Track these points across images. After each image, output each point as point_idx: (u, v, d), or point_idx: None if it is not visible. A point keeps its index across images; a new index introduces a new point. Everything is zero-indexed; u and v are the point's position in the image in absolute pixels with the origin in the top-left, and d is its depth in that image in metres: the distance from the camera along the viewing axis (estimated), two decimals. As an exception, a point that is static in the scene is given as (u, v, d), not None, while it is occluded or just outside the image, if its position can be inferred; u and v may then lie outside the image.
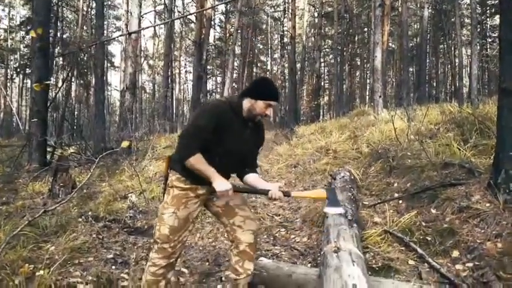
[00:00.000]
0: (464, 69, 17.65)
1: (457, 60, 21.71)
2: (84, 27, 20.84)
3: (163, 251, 2.43)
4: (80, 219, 4.66)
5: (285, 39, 30.06)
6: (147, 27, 17.80)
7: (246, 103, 2.41)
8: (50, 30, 10.79)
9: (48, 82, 7.98)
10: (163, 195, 2.56)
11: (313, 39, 29.99)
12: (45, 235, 4.10)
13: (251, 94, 2.40)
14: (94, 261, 3.59)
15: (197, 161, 2.32)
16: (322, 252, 2.65)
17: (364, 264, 2.42)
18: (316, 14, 27.37)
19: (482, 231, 3.41)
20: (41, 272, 3.13)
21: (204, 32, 17.35)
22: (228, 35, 29.17)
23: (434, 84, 32.30)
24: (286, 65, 28.21)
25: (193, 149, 2.31)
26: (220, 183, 2.32)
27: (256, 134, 2.57)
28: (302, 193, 3.16)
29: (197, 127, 2.34)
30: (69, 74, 11.64)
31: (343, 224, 3.09)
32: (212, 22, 25.23)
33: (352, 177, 5.26)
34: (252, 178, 2.56)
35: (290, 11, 22.85)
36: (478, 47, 10.86)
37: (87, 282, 3.17)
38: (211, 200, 2.57)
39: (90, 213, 4.85)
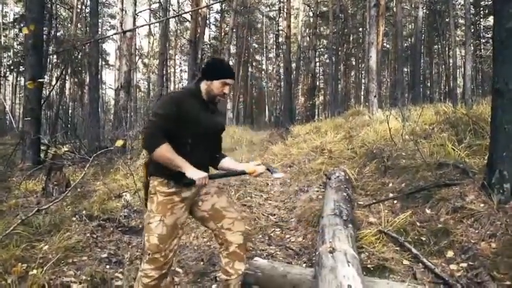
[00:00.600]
0: (458, 70, 17.72)
1: (451, 61, 21.84)
2: (78, 25, 20.70)
3: (155, 262, 2.33)
4: (74, 218, 4.62)
5: (280, 39, 30.06)
6: (142, 26, 17.75)
7: (203, 86, 2.41)
8: (44, 28, 10.69)
9: (41, 80, 7.91)
10: (146, 205, 2.46)
11: (308, 38, 30.04)
12: (38, 234, 4.07)
13: (206, 76, 2.40)
14: (88, 260, 3.57)
15: (165, 150, 2.24)
16: (317, 253, 2.65)
17: (359, 265, 2.43)
18: (311, 14, 27.42)
19: (477, 231, 3.42)
20: (34, 271, 3.09)
21: (199, 30, 17.31)
22: (223, 34, 29.16)
23: (428, 84, 32.45)
24: (281, 65, 28.22)
25: (158, 138, 2.24)
26: (194, 172, 2.26)
27: (220, 117, 2.61)
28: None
29: (158, 116, 2.28)
30: (63, 72, 11.55)
31: (338, 224, 3.09)
32: (207, 21, 25.17)
33: (347, 177, 5.27)
34: (227, 162, 2.58)
35: (285, 10, 22.89)
36: (472, 48, 10.90)
37: (81, 282, 3.14)
38: (196, 204, 2.51)
39: (84, 212, 4.81)
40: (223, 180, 5.88)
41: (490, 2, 25.27)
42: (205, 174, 2.28)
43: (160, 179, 2.37)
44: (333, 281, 2.00)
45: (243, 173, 2.44)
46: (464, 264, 3.08)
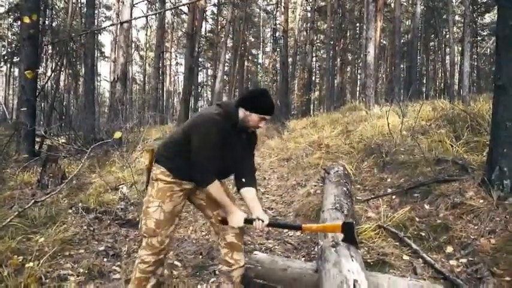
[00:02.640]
0: (455, 67, 17.78)
1: (447, 58, 21.87)
2: (73, 16, 20.46)
3: (151, 247, 2.42)
4: (70, 211, 4.59)
5: (277, 33, 29.97)
6: (139, 17, 17.59)
7: (241, 113, 2.37)
8: (39, 18, 10.54)
9: (37, 70, 7.81)
10: (146, 188, 2.54)
11: (305, 33, 29.92)
12: (34, 226, 4.03)
13: (247, 106, 2.35)
14: (85, 253, 3.54)
15: (216, 190, 2.33)
16: (319, 247, 2.63)
17: (362, 260, 2.41)
18: (309, 8, 27.30)
19: (476, 227, 3.43)
20: (31, 263, 3.07)
21: (196, 23, 17.17)
22: (220, 27, 28.96)
23: (424, 81, 32.53)
24: (278, 59, 28.13)
25: (211, 176, 2.31)
26: (237, 218, 2.36)
27: (250, 140, 2.56)
28: (314, 226, 2.72)
29: (208, 149, 2.28)
30: (59, 63, 11.43)
31: (339, 218, 3.07)
32: (204, 14, 24.98)
33: (346, 172, 5.25)
34: (246, 194, 2.50)
35: (283, 4, 22.76)
36: (469, 45, 10.90)
37: (78, 275, 3.12)
38: (194, 193, 2.56)
39: (80, 204, 4.78)
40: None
41: (487, 0, 25.34)
42: (242, 222, 2.37)
43: (163, 168, 2.44)
44: (338, 275, 1.99)
45: (297, 228, 2.47)
46: (464, 260, 3.08)
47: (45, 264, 3.12)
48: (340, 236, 2.39)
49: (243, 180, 2.52)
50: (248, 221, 2.39)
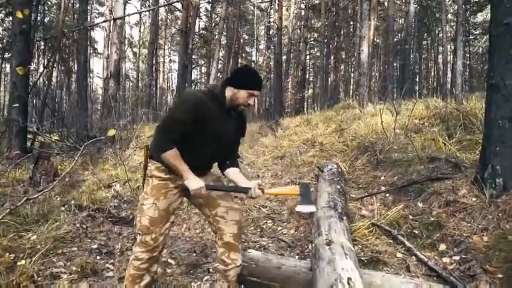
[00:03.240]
0: (448, 65, 17.89)
1: (440, 56, 21.99)
2: (65, 12, 20.28)
3: (145, 244, 2.39)
4: (63, 208, 4.55)
5: (271, 31, 29.92)
6: (133, 13, 17.48)
7: (228, 92, 2.33)
8: (31, 13, 10.42)
9: (29, 67, 7.73)
10: (143, 185, 2.51)
11: (299, 31, 29.93)
12: (26, 224, 3.99)
13: (233, 83, 2.32)
14: (78, 251, 3.52)
15: (172, 156, 2.26)
16: (313, 245, 2.64)
17: (356, 257, 2.42)
18: (303, 6, 27.30)
19: (469, 225, 3.45)
20: (23, 261, 3.04)
21: (190, 20, 17.10)
22: (213, 24, 28.86)
23: (417, 79, 32.70)
24: (272, 57, 28.11)
25: (169, 143, 2.26)
26: (193, 182, 2.28)
27: (239, 124, 2.51)
28: (274, 190, 2.94)
29: (174, 120, 2.27)
30: (51, 59, 11.31)
31: (333, 216, 3.08)
32: (198, 11, 24.86)
33: (340, 170, 5.27)
34: (232, 173, 2.50)
35: (277, 2, 22.71)
36: (462, 44, 10.97)
37: (71, 273, 3.09)
38: None
39: (73, 202, 4.73)
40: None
41: (479, -1, 25.54)
42: (202, 184, 2.28)
43: (157, 164, 2.40)
44: (332, 273, 1.99)
45: (245, 191, 2.35)
46: (457, 258, 3.10)
47: (38, 262, 3.09)
48: (298, 198, 2.35)
49: (227, 162, 2.53)
50: (211, 187, 2.35)
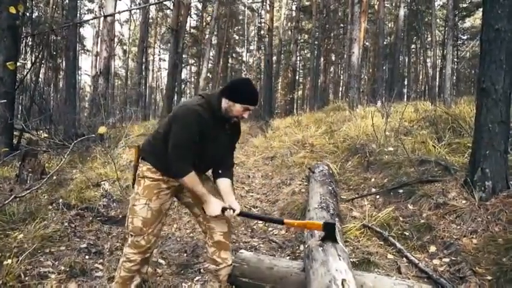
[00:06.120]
0: (437, 69, 18.08)
1: (428, 60, 22.24)
2: (54, 7, 20.00)
3: (137, 246, 2.37)
4: (51, 207, 4.47)
5: (262, 31, 29.93)
6: (124, 11, 17.29)
7: (224, 104, 2.32)
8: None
9: (19, 63, 7.59)
10: (133, 186, 2.48)
11: (289, 32, 30.00)
12: (12, 222, 3.90)
13: (230, 96, 2.30)
14: (66, 250, 3.46)
15: (192, 181, 2.27)
16: (306, 246, 2.63)
17: (348, 259, 2.42)
18: (294, 7, 27.37)
19: (458, 227, 3.48)
20: (9, 260, 2.96)
21: (181, 19, 17.00)
22: (204, 23, 28.75)
23: (406, 82, 33.02)
24: (262, 58, 28.12)
25: (187, 167, 2.25)
26: (213, 207, 2.31)
27: (233, 132, 2.51)
28: (295, 222, 2.71)
29: (185, 145, 2.25)
30: (39, 55, 11.13)
31: (325, 217, 3.07)
32: (189, 10, 24.72)
33: (331, 172, 5.28)
34: (222, 185, 2.48)
35: (268, 2, 22.74)
36: (451, 48, 11.11)
37: (60, 272, 3.04)
38: (182, 190, 2.51)
39: (61, 200, 4.65)
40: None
41: (467, 4, 25.89)
42: (220, 211, 2.32)
43: (149, 165, 2.39)
44: (326, 274, 1.98)
45: (278, 223, 2.47)
46: (447, 259, 3.13)
47: (25, 262, 3.02)
48: (321, 234, 2.40)
49: (220, 171, 2.51)
50: (243, 215, 2.41)
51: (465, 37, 30.03)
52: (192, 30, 32.03)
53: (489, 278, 2.78)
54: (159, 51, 38.64)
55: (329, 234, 2.38)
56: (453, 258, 3.12)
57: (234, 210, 2.37)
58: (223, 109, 2.32)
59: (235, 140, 2.60)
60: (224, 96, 2.32)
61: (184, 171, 2.24)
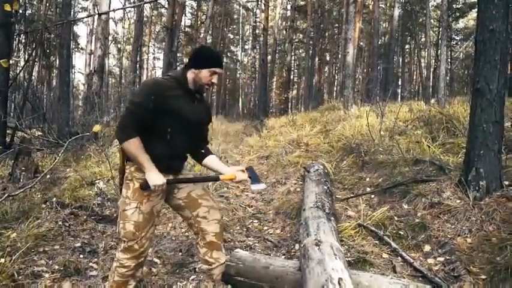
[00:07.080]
0: (431, 69, 18.18)
1: (422, 60, 22.34)
2: (47, 5, 19.86)
3: (131, 251, 2.29)
4: (44, 206, 4.43)
5: (257, 31, 29.94)
6: (118, 9, 17.18)
7: (190, 75, 2.30)
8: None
9: (12, 60, 7.52)
10: (121, 191, 2.40)
11: (284, 32, 30.02)
12: (5, 221, 3.86)
13: (194, 64, 2.29)
14: (60, 249, 3.43)
15: (133, 145, 2.19)
16: (302, 245, 2.63)
17: (344, 258, 2.42)
18: (289, 7, 27.39)
19: (453, 226, 3.50)
20: (2, 259, 2.94)
21: (176, 17, 16.92)
22: (199, 22, 28.68)
23: (400, 82, 33.17)
24: (257, 57, 28.12)
25: (130, 130, 2.19)
26: (155, 176, 2.21)
27: (204, 107, 2.49)
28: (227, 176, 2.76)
29: (134, 105, 2.20)
30: (33, 53, 11.04)
31: (321, 217, 3.08)
32: (184, 8, 24.64)
33: (326, 171, 5.29)
34: (211, 161, 2.50)
35: (263, 1, 22.74)
36: (446, 49, 11.19)
37: (53, 272, 3.02)
38: (172, 192, 2.43)
39: (55, 199, 4.61)
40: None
41: (461, 5, 26.06)
42: (163, 181, 2.23)
43: (137, 165, 2.29)
44: (322, 273, 1.98)
45: (215, 179, 2.37)
46: (442, 259, 3.15)
47: (18, 261, 3.00)
48: (249, 180, 2.41)
49: (203, 151, 2.51)
50: (174, 181, 2.33)
51: (459, 38, 30.21)
52: (186, 29, 31.93)
53: (483, 277, 2.80)
54: (154, 50, 38.50)
55: (253, 177, 2.40)
56: (448, 257, 3.13)
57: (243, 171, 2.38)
58: (191, 80, 2.30)
59: (208, 117, 2.55)
60: (189, 68, 2.31)
61: (127, 135, 2.18)
